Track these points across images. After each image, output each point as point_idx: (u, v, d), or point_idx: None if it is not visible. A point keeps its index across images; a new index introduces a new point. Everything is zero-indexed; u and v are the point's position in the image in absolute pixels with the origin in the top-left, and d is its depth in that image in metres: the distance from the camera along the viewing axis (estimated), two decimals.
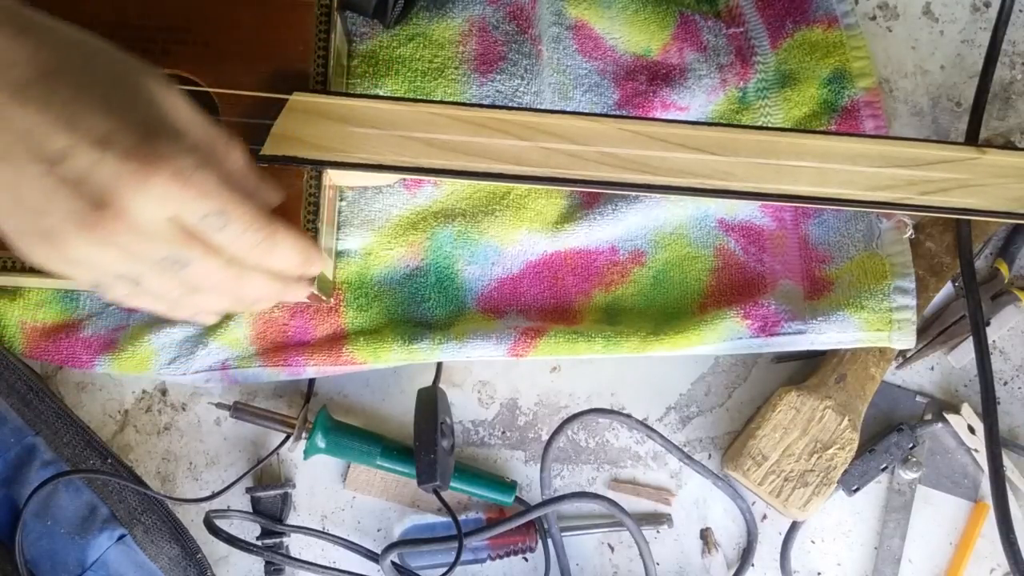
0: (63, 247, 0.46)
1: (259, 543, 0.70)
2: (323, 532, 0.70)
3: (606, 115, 0.68)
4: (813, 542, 0.73)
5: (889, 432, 0.72)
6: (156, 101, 0.47)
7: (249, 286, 0.53)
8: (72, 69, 0.44)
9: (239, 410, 0.70)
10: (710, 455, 0.73)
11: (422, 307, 0.71)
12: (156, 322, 0.69)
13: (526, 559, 0.72)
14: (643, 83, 0.73)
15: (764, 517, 0.73)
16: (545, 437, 0.73)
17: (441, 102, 0.62)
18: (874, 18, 0.78)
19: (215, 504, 0.70)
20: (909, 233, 0.71)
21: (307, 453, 0.69)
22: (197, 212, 0.47)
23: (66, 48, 0.45)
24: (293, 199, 0.61)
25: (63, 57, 0.45)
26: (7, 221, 0.47)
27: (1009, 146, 0.73)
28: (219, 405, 0.70)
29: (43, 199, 0.44)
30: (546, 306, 0.72)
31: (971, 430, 0.72)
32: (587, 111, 0.73)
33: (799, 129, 0.72)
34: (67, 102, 0.43)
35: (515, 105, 0.70)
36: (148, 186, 0.45)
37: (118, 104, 0.45)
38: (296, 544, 0.72)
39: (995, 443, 0.67)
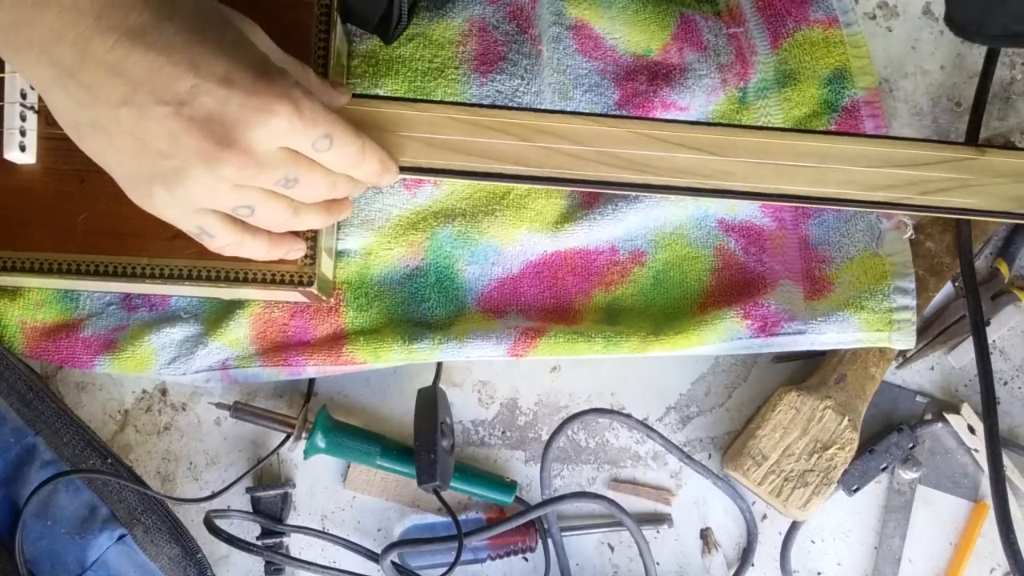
0: (184, 186, 0.49)
1: (259, 543, 0.70)
2: (323, 532, 0.70)
3: (606, 115, 0.68)
4: (813, 542, 0.73)
5: (889, 432, 0.72)
6: (256, 40, 0.50)
7: (340, 192, 0.57)
8: (185, 14, 0.46)
9: (239, 410, 0.70)
10: (710, 455, 0.73)
11: (422, 307, 0.71)
12: (156, 322, 0.69)
13: (526, 559, 0.72)
14: (643, 83, 0.73)
15: (764, 517, 0.73)
16: (545, 437, 0.73)
17: (441, 102, 0.62)
18: (874, 18, 0.78)
19: (215, 504, 0.70)
20: (909, 233, 0.71)
21: (307, 453, 0.69)
22: (309, 138, 0.50)
23: None
24: None
25: (174, 2, 0.46)
26: (126, 165, 0.49)
27: (1009, 146, 0.73)
28: (219, 405, 0.70)
29: (169, 140, 0.46)
30: (546, 306, 0.72)
31: (971, 430, 0.72)
32: (587, 111, 0.73)
33: (799, 129, 0.72)
34: (187, 45, 0.45)
35: (515, 105, 0.70)
36: (271, 120, 0.47)
37: (231, 44, 0.47)
38: (296, 544, 0.72)
39: (995, 443, 0.67)
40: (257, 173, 0.50)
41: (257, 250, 0.57)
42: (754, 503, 0.72)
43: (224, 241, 0.55)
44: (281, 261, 0.62)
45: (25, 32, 0.44)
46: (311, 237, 0.63)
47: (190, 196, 0.50)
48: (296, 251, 0.61)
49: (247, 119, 0.47)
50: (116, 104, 0.46)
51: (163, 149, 0.47)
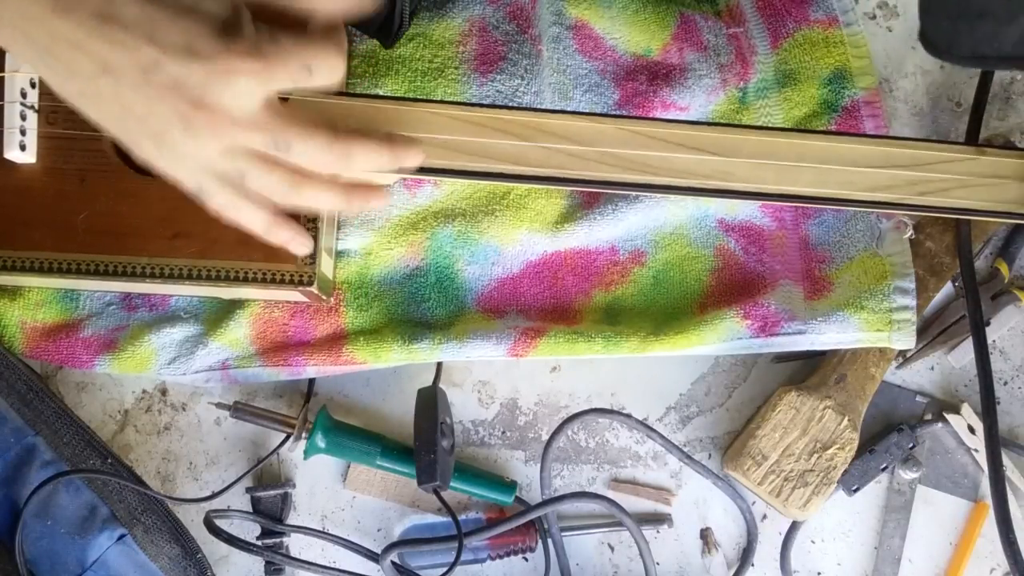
0: (172, 146, 0.50)
1: (259, 543, 0.70)
2: (323, 532, 0.70)
3: (606, 115, 0.68)
4: (813, 542, 0.73)
5: (889, 432, 0.72)
6: (214, 1, 0.49)
7: (354, 162, 0.55)
8: None
9: (239, 410, 0.70)
10: (710, 455, 0.73)
11: (422, 307, 0.71)
12: (156, 322, 0.69)
13: (526, 559, 0.72)
14: (643, 83, 0.73)
15: (764, 517, 0.73)
16: (545, 437, 0.73)
17: (441, 101, 0.62)
18: (874, 18, 0.78)
19: (215, 504, 0.70)
20: (909, 233, 0.71)
21: (307, 453, 0.69)
22: (287, 78, 0.50)
23: None
24: None
25: None
26: (118, 128, 0.50)
27: (1009, 146, 0.73)
28: (219, 405, 0.70)
29: (145, 105, 0.48)
30: (546, 306, 0.72)
31: (971, 430, 0.72)
32: (587, 111, 0.73)
33: (799, 129, 0.72)
34: (140, 14, 0.46)
35: (515, 105, 0.70)
36: (236, 80, 0.48)
37: (186, 8, 0.47)
38: (296, 544, 0.72)
39: (995, 443, 0.67)
40: (237, 133, 0.50)
41: (255, 220, 0.56)
42: (754, 503, 0.72)
43: (220, 200, 0.54)
44: (281, 260, 0.62)
45: (2, 11, 0.46)
46: (313, 236, 0.62)
47: (180, 156, 0.51)
48: (300, 245, 0.59)
49: (212, 81, 0.48)
50: (94, 76, 0.47)
51: (143, 114, 0.49)
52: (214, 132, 0.49)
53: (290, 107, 0.53)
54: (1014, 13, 0.55)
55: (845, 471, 0.69)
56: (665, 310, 0.72)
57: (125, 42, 0.46)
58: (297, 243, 0.60)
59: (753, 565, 0.72)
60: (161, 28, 0.46)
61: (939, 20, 0.59)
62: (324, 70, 0.52)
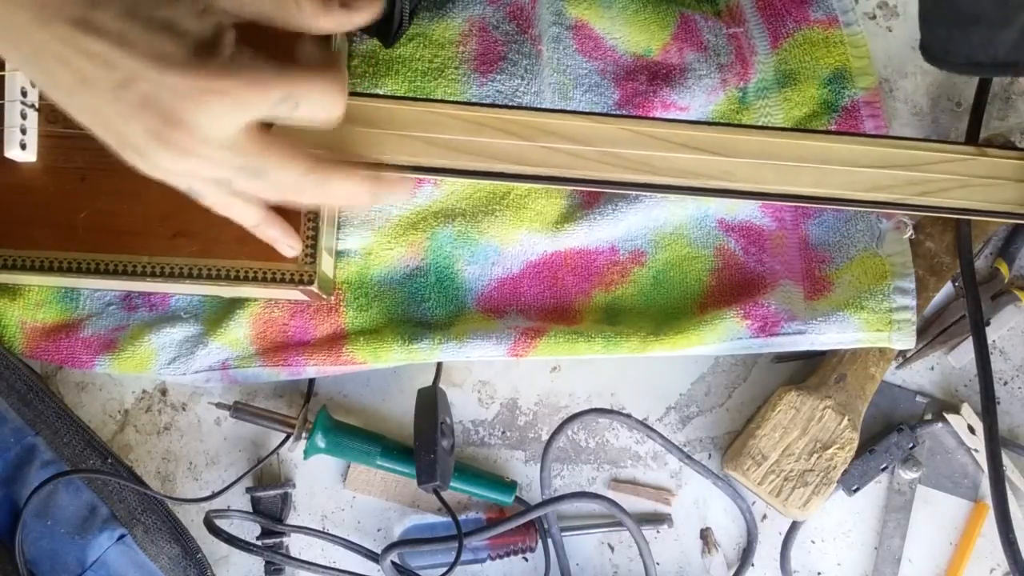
0: (151, 158, 0.50)
1: (259, 543, 0.70)
2: (323, 532, 0.70)
3: (607, 114, 0.68)
4: (813, 542, 0.73)
5: (889, 432, 0.72)
6: (196, 19, 0.49)
7: (331, 193, 0.54)
8: None
9: (239, 410, 0.70)
10: (710, 455, 0.73)
11: (422, 307, 0.71)
12: (156, 322, 0.69)
13: (526, 559, 0.72)
14: (643, 83, 0.73)
15: (764, 517, 0.73)
16: (545, 437, 0.73)
17: (441, 100, 0.62)
18: (874, 18, 0.78)
19: (215, 504, 0.70)
20: (909, 233, 0.71)
21: (307, 453, 0.69)
22: (265, 104, 0.49)
23: None
24: None
25: None
26: (103, 135, 0.50)
27: (1009, 146, 0.73)
28: (219, 405, 0.70)
29: (121, 120, 0.48)
30: (546, 306, 0.72)
31: (971, 430, 0.72)
32: (587, 111, 0.73)
33: (799, 129, 0.72)
34: (118, 29, 0.46)
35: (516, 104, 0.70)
36: (210, 102, 0.47)
37: (164, 25, 0.47)
38: (296, 544, 0.72)
39: (995, 443, 0.67)
40: (210, 154, 0.50)
41: (248, 216, 0.56)
42: (754, 503, 0.72)
43: (211, 201, 0.54)
44: (281, 259, 0.62)
45: None
46: (311, 236, 0.63)
47: (162, 168, 0.51)
48: (287, 247, 0.60)
49: (185, 102, 0.47)
50: (73, 87, 0.47)
51: (120, 128, 0.49)
52: (186, 151, 0.49)
53: (275, 132, 0.52)
54: (1007, 18, 0.55)
55: (845, 471, 0.69)
56: (665, 310, 0.72)
57: (100, 56, 0.46)
58: (284, 244, 0.60)
59: (753, 565, 0.72)
60: (136, 43, 0.46)
61: (936, 28, 0.60)
62: (314, 104, 0.51)
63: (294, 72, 0.50)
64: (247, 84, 0.48)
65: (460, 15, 0.71)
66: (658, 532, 0.72)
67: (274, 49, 0.49)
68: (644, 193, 0.70)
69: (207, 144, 0.49)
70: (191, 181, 0.52)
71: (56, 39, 0.46)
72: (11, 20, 0.45)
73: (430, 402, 0.69)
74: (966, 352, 0.73)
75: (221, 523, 0.67)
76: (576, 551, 0.72)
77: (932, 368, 0.74)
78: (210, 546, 0.69)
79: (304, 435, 0.69)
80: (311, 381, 0.72)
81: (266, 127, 0.51)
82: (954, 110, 0.77)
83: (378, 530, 0.72)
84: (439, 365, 0.71)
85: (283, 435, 0.69)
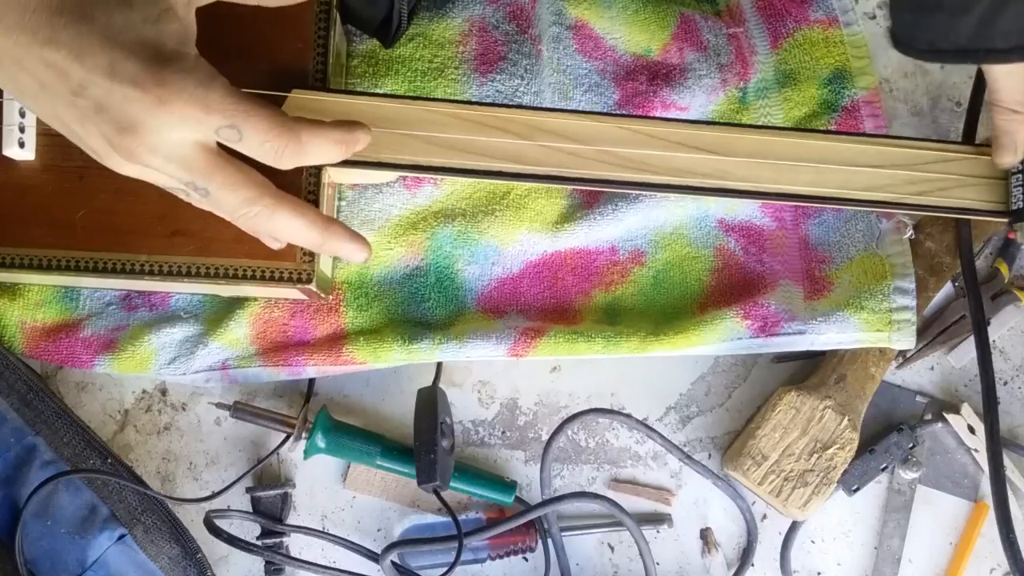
0: (108, 163, 0.51)
1: (259, 543, 0.70)
2: (323, 532, 0.70)
3: (607, 114, 0.68)
4: (813, 542, 0.73)
5: (889, 432, 0.72)
6: (151, 26, 0.49)
7: (277, 222, 0.55)
8: (72, 5, 0.47)
9: (239, 410, 0.69)
10: (710, 455, 0.73)
11: (422, 307, 0.71)
12: (156, 322, 0.69)
13: (526, 559, 0.72)
14: (643, 83, 0.73)
15: (764, 517, 0.73)
16: (545, 437, 0.73)
17: (441, 100, 0.62)
18: (874, 18, 0.78)
19: (215, 504, 0.70)
20: (909, 233, 0.71)
21: (307, 453, 0.69)
22: (208, 127, 0.50)
23: None
24: None
25: None
26: (69, 138, 0.51)
27: None
28: (219, 405, 0.70)
29: (78, 124, 0.49)
30: (546, 306, 0.72)
31: (971, 430, 0.72)
32: (587, 110, 0.73)
33: (799, 129, 0.72)
34: (73, 37, 0.47)
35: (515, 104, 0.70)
36: (162, 109, 0.48)
37: (119, 33, 0.48)
38: (296, 544, 0.71)
39: (995, 443, 0.67)
40: (160, 165, 0.50)
41: (226, 204, 0.55)
42: (754, 503, 0.72)
43: (189, 199, 0.55)
44: (280, 258, 0.62)
45: None
46: None
47: (121, 170, 0.51)
48: (273, 240, 0.60)
49: (137, 108, 0.48)
50: (35, 93, 0.48)
51: (78, 133, 0.50)
52: (136, 159, 0.50)
53: (231, 155, 0.52)
54: (966, 5, 0.55)
55: (845, 471, 0.69)
56: (665, 310, 0.72)
57: (57, 63, 0.47)
58: (271, 238, 0.60)
59: (753, 565, 0.72)
60: (90, 52, 0.47)
61: (902, 13, 0.60)
62: (252, 140, 0.51)
63: (241, 104, 0.50)
64: (191, 103, 0.49)
65: (460, 15, 0.71)
66: (658, 532, 0.72)
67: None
68: (643, 192, 0.70)
69: (155, 154, 0.49)
70: (163, 181, 0.53)
71: (18, 46, 0.46)
72: None
73: (430, 402, 0.69)
74: (966, 352, 0.73)
75: (221, 523, 0.67)
76: (576, 551, 0.72)
77: (932, 368, 0.74)
78: (210, 546, 0.69)
79: (304, 435, 0.69)
80: (311, 381, 0.72)
81: (225, 148, 0.52)
82: (954, 110, 0.77)
83: (378, 530, 0.72)
84: (439, 365, 0.71)
85: (283, 435, 0.69)
